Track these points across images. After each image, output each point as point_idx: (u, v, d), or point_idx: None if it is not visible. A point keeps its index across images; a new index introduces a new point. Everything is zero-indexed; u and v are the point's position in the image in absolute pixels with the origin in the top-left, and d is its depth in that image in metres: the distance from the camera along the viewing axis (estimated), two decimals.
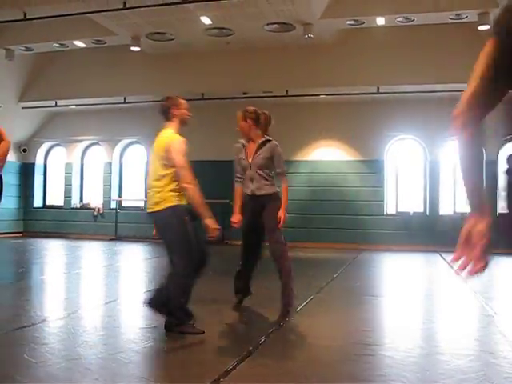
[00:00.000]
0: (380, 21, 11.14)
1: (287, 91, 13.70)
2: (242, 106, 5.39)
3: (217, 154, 13.92)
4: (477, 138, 1.66)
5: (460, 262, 1.64)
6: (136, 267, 10.11)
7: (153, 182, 4.60)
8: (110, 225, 15.98)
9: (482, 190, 1.65)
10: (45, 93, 15.15)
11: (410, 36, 12.05)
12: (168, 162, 4.51)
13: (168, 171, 4.51)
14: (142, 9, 10.48)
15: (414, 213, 14.20)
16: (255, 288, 5.95)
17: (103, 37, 12.39)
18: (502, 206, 2.10)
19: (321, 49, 12.80)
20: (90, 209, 16.55)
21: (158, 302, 4.57)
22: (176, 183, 4.52)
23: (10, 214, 16.46)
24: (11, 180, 16.58)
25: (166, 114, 4.80)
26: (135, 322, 5.17)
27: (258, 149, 5.50)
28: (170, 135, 4.66)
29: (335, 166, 14.66)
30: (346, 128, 14.36)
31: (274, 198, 5.47)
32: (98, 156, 16.98)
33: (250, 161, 5.49)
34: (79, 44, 12.93)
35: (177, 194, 4.53)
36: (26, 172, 17.04)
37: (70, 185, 16.89)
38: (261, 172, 5.45)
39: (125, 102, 14.95)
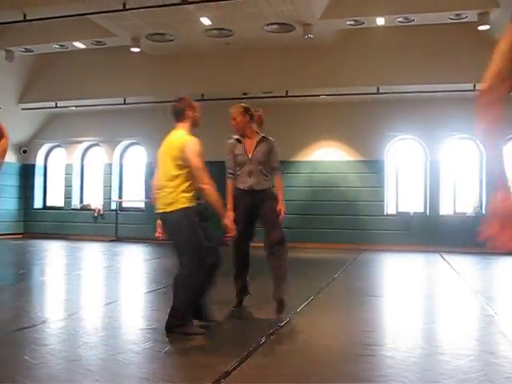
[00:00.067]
0: (380, 21, 11.14)
1: (287, 92, 13.70)
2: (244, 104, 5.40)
3: (217, 154, 13.87)
4: (501, 114, 1.72)
5: (493, 238, 1.64)
6: (136, 268, 10.10)
7: (165, 183, 4.59)
8: (111, 226, 15.98)
9: (504, 166, 1.69)
10: (45, 94, 15.16)
11: (410, 36, 12.05)
12: (183, 162, 4.51)
13: (181, 172, 4.52)
14: (141, 10, 10.48)
15: (415, 213, 14.20)
16: (255, 288, 5.95)
17: (103, 38, 12.40)
18: None
19: (321, 49, 12.80)
20: (90, 210, 16.55)
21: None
22: (188, 184, 4.54)
23: (10, 215, 16.47)
24: (11, 181, 16.60)
25: (180, 115, 4.77)
26: (136, 323, 5.17)
27: (257, 145, 5.56)
28: (183, 136, 4.65)
29: (335, 166, 14.66)
30: (346, 128, 14.37)
31: (270, 193, 5.55)
32: (98, 157, 16.98)
33: (249, 156, 5.52)
34: (79, 45, 12.94)
35: (189, 195, 4.54)
36: (27, 173, 17.04)
37: (71, 186, 16.89)
38: (261, 167, 5.51)
39: (125, 103, 14.95)
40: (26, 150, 16.92)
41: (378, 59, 12.56)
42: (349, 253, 12.62)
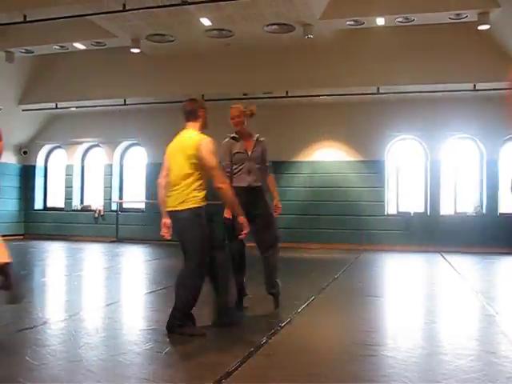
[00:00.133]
0: (380, 21, 11.14)
1: (287, 92, 13.70)
2: (247, 103, 5.42)
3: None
4: None
5: None
6: (137, 269, 10.11)
7: (178, 181, 4.62)
8: (111, 227, 15.99)
9: None
10: (45, 95, 15.16)
11: (410, 36, 12.05)
12: (197, 161, 4.55)
13: (195, 170, 4.57)
14: (141, 10, 10.48)
15: (415, 213, 14.20)
16: (255, 288, 5.95)
17: (103, 39, 12.40)
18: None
19: (321, 49, 12.80)
20: (90, 211, 16.56)
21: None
22: (200, 183, 4.58)
23: (10, 216, 16.47)
24: (12, 182, 16.61)
25: (192, 115, 4.81)
26: (136, 324, 5.17)
27: (255, 144, 5.76)
28: (198, 135, 4.70)
29: (336, 166, 14.66)
30: (346, 128, 14.37)
31: (264, 190, 5.75)
32: (99, 158, 16.98)
33: (249, 154, 5.66)
34: (79, 46, 12.94)
35: (200, 194, 4.59)
36: (27, 174, 17.05)
37: (71, 187, 16.90)
38: (258, 166, 5.70)
39: (125, 104, 14.96)
40: (26, 151, 16.92)
41: (378, 59, 12.56)
42: (349, 253, 12.62)
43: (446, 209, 14.09)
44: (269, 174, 5.91)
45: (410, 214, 14.22)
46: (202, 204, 4.60)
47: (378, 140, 14.28)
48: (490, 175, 13.56)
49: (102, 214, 16.35)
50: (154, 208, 15.69)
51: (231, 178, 5.56)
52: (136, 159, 16.73)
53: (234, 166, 5.62)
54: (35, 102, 15.36)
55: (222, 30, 11.93)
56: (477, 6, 10.28)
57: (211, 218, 4.72)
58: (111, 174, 16.55)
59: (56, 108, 15.55)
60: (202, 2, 10.20)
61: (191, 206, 4.55)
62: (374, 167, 14.38)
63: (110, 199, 16.44)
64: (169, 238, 4.75)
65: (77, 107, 15.67)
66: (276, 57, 13.19)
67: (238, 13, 10.87)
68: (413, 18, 10.93)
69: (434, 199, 14.06)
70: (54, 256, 12.45)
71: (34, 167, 17.14)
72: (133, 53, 12.79)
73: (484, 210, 13.70)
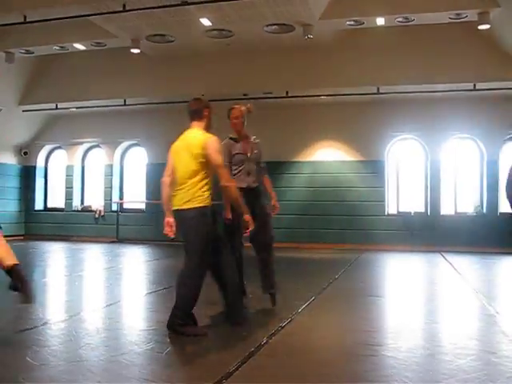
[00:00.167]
0: (380, 21, 11.12)
1: (287, 92, 13.70)
2: (247, 103, 5.42)
3: None
4: None
5: None
6: (137, 269, 10.11)
7: (184, 180, 4.63)
8: (112, 227, 15.99)
9: None
10: (45, 95, 15.16)
11: (410, 36, 12.05)
12: (204, 160, 4.58)
13: (201, 170, 4.59)
14: (141, 11, 10.48)
15: (415, 213, 14.20)
16: (255, 289, 5.94)
17: (103, 39, 12.39)
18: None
19: (321, 50, 12.80)
20: (91, 211, 16.56)
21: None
22: (206, 182, 4.61)
23: (11, 216, 16.47)
24: (12, 183, 16.62)
25: (197, 114, 4.83)
26: (137, 324, 5.17)
27: (253, 145, 5.82)
28: (204, 134, 4.73)
29: (336, 166, 14.66)
30: (346, 129, 14.37)
31: (261, 190, 5.87)
32: (99, 158, 16.99)
33: (248, 155, 5.73)
34: (79, 47, 12.94)
35: (206, 194, 4.61)
36: (27, 175, 17.05)
37: (71, 187, 16.90)
38: (256, 167, 5.81)
39: (125, 105, 14.96)
40: (26, 151, 16.93)
41: (378, 59, 12.56)
42: (350, 253, 12.62)
43: (447, 209, 14.09)
44: (264, 175, 6.01)
45: (410, 213, 14.23)
46: (208, 203, 4.62)
47: (378, 140, 14.29)
48: (490, 175, 13.56)
49: (102, 214, 16.35)
50: (154, 208, 15.72)
51: None
52: (136, 159, 16.74)
53: (234, 167, 5.65)
54: (35, 103, 15.36)
55: (222, 30, 11.93)
56: (477, 5, 10.27)
57: (215, 217, 4.75)
58: (111, 175, 16.55)
59: (56, 108, 15.55)
60: (202, 3, 10.20)
61: (197, 205, 4.57)
62: (374, 167, 14.38)
63: (111, 200, 16.44)
64: (172, 236, 4.74)
65: (77, 108, 15.67)
66: (276, 57, 13.19)
67: (237, 13, 10.87)
68: (413, 18, 10.92)
69: (434, 199, 14.06)
70: (54, 256, 12.45)
71: (34, 168, 17.15)
72: (133, 53, 12.78)
73: (484, 210, 13.70)
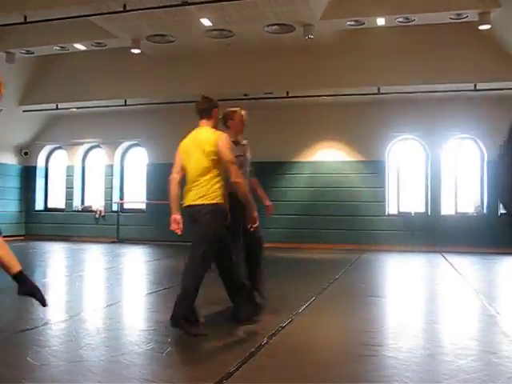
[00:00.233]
0: (380, 21, 11.12)
1: (288, 92, 13.70)
2: (243, 107, 5.41)
3: None
4: None
5: None
6: (138, 269, 10.11)
7: (197, 177, 4.69)
8: (112, 227, 16.00)
9: None
10: (46, 96, 15.17)
11: (411, 36, 12.04)
12: (216, 157, 4.65)
13: (214, 167, 4.66)
14: (142, 11, 10.49)
15: (416, 213, 14.19)
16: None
17: (103, 39, 12.40)
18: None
19: (321, 50, 12.80)
20: (91, 211, 16.56)
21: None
22: (218, 179, 4.68)
23: (11, 217, 16.48)
24: (13, 183, 16.63)
25: (207, 113, 4.91)
26: (137, 325, 5.17)
27: (246, 148, 5.88)
28: (214, 132, 4.81)
29: (337, 167, 14.66)
30: (347, 129, 14.37)
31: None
32: (100, 158, 16.99)
33: (247, 157, 5.82)
34: (80, 47, 12.94)
35: (220, 191, 4.69)
36: (28, 175, 17.05)
37: (72, 187, 16.90)
38: (250, 169, 5.89)
39: (125, 105, 14.96)
40: (27, 151, 16.93)
41: (378, 59, 12.56)
42: (350, 253, 12.62)
43: (447, 209, 14.08)
44: (253, 177, 6.04)
45: (410, 214, 14.22)
46: (221, 201, 4.70)
47: (378, 140, 14.28)
48: (490, 175, 13.55)
49: (102, 214, 16.35)
50: (154, 208, 15.74)
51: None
52: (137, 160, 16.74)
53: None
54: (36, 103, 15.37)
55: (223, 30, 11.93)
56: (477, 5, 10.27)
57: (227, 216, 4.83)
58: (112, 175, 16.55)
59: (56, 109, 15.55)
60: (203, 3, 10.20)
61: (211, 202, 4.64)
62: (374, 167, 14.38)
63: (111, 200, 16.44)
64: (179, 233, 4.79)
65: (77, 108, 15.67)
66: (276, 57, 13.19)
67: (238, 13, 10.87)
68: (413, 18, 10.92)
69: (434, 199, 14.06)
70: (54, 257, 12.45)
71: (34, 168, 17.15)
72: (133, 53, 12.78)
73: (485, 210, 13.70)
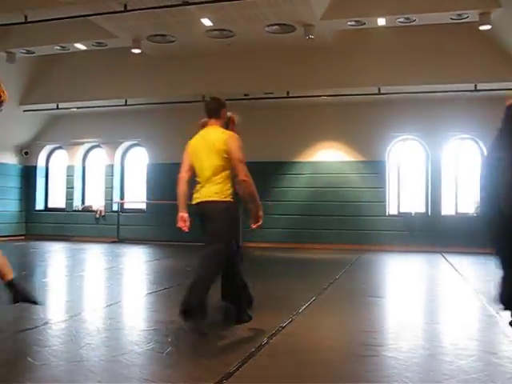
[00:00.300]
0: (381, 21, 11.13)
1: (288, 92, 13.70)
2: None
3: None
4: None
5: None
6: (138, 269, 10.11)
7: (210, 176, 4.77)
8: (112, 227, 16.00)
9: None
10: (46, 96, 15.17)
11: (411, 36, 12.05)
12: (228, 156, 4.74)
13: (226, 166, 4.75)
14: (142, 11, 10.49)
15: (416, 213, 14.19)
16: (257, 290, 5.94)
17: (104, 39, 12.40)
18: None
19: (322, 50, 12.80)
20: (91, 211, 16.56)
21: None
22: (230, 178, 4.79)
23: (11, 216, 16.49)
24: (13, 183, 16.63)
25: (216, 113, 4.99)
26: (137, 324, 5.17)
27: None
28: (225, 131, 4.91)
29: (337, 167, 14.66)
30: (347, 129, 14.37)
31: None
32: (100, 158, 16.99)
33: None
34: (80, 47, 12.94)
35: (231, 190, 4.78)
36: (28, 175, 17.06)
37: (72, 187, 16.91)
38: None
39: (126, 105, 14.96)
40: (27, 151, 16.94)
41: (379, 60, 12.56)
42: (350, 253, 12.62)
43: (447, 209, 14.08)
44: None
45: (411, 214, 14.22)
46: (233, 200, 4.78)
47: (379, 140, 14.28)
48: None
49: (103, 214, 16.36)
50: (154, 208, 15.74)
51: None
52: (137, 160, 16.75)
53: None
54: (36, 103, 15.37)
55: (223, 30, 11.93)
56: (478, 6, 10.27)
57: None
58: (112, 175, 16.56)
59: (57, 109, 15.56)
60: (203, 3, 10.20)
61: (225, 199, 4.74)
62: (375, 168, 14.38)
63: (111, 200, 16.44)
64: (187, 230, 4.84)
65: (78, 108, 15.68)
66: (277, 57, 13.19)
67: (238, 13, 10.87)
68: (414, 19, 10.92)
69: (435, 199, 14.05)
70: (55, 256, 12.45)
71: (35, 168, 17.15)
72: (134, 53, 12.79)
73: None
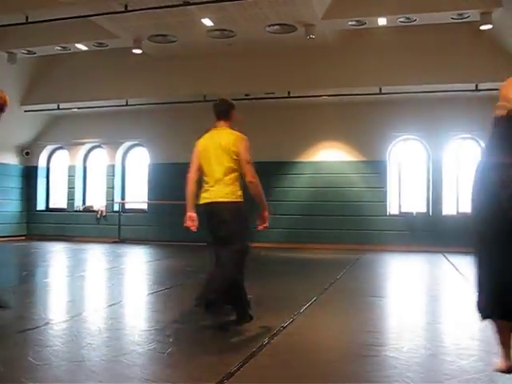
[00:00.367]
0: (382, 21, 11.13)
1: (289, 92, 13.70)
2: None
3: None
4: None
5: None
6: (139, 270, 10.12)
7: (220, 176, 4.84)
8: (113, 227, 16.00)
9: None
10: (47, 96, 15.18)
11: (412, 36, 12.05)
12: (237, 157, 4.83)
13: (235, 166, 4.84)
14: (143, 11, 10.49)
15: (417, 213, 14.19)
16: (257, 289, 5.94)
17: (105, 40, 12.41)
18: None
19: (323, 50, 12.80)
20: (92, 211, 16.57)
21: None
22: (239, 179, 4.88)
23: (13, 217, 16.50)
24: (14, 183, 16.64)
25: (225, 114, 5.07)
26: (139, 324, 5.17)
27: None
28: (235, 133, 4.97)
29: (338, 167, 14.65)
30: (348, 129, 14.37)
31: None
32: (101, 158, 17.00)
33: None
34: (81, 47, 12.95)
35: (241, 191, 4.87)
36: (29, 175, 17.07)
37: (73, 187, 16.92)
38: None
39: (127, 105, 14.97)
40: (28, 151, 16.95)
41: (380, 59, 12.56)
42: (351, 253, 12.61)
43: (449, 209, 14.07)
44: None
45: (412, 214, 14.22)
46: (243, 200, 4.88)
47: (380, 140, 14.28)
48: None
49: (104, 214, 16.36)
50: (156, 208, 15.75)
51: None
52: (138, 160, 16.75)
53: None
54: (37, 103, 15.38)
55: (224, 30, 11.93)
56: (479, 5, 10.26)
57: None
58: (113, 175, 16.56)
59: (58, 109, 15.57)
60: (204, 3, 10.21)
61: (238, 200, 4.83)
62: (376, 167, 14.37)
63: (113, 200, 16.45)
64: (195, 230, 4.92)
65: (79, 108, 15.68)
66: (278, 57, 13.19)
67: (239, 13, 10.87)
68: (415, 18, 10.91)
69: (436, 199, 14.05)
70: (56, 257, 12.46)
71: (36, 168, 17.16)
72: (134, 53, 12.79)
73: None
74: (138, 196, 16.58)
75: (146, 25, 11.54)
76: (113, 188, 16.53)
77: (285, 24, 11.46)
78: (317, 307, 6.03)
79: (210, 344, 4.39)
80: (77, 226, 16.51)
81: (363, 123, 14.10)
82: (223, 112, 5.06)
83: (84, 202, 17.06)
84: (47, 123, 16.87)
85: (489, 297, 3.27)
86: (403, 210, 14.42)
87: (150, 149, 16.09)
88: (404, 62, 12.43)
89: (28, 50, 13.13)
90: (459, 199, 14.10)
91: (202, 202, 4.92)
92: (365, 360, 3.96)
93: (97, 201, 16.82)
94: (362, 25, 11.39)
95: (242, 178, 4.91)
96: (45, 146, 17.23)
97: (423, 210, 14.25)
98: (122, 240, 15.68)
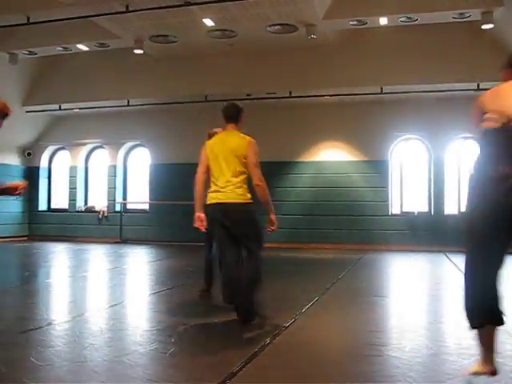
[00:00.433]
0: (383, 21, 11.13)
1: (291, 92, 13.70)
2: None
3: None
4: None
5: None
6: (141, 270, 10.12)
7: (231, 178, 4.93)
8: (115, 228, 16.01)
9: None
10: (49, 96, 15.20)
11: (413, 36, 12.04)
12: (245, 160, 4.93)
13: (244, 169, 4.95)
14: (144, 11, 10.50)
15: (419, 213, 14.18)
16: (260, 290, 5.93)
17: (106, 40, 12.42)
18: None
19: (324, 49, 12.80)
20: (94, 212, 16.58)
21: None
22: (247, 181, 4.98)
23: (14, 217, 16.51)
24: None
25: (235, 117, 5.17)
26: (141, 325, 5.18)
27: None
28: (243, 136, 5.07)
29: (339, 166, 14.65)
30: (349, 129, 14.36)
31: None
32: (103, 159, 17.01)
33: None
34: (82, 47, 12.97)
35: (249, 192, 4.97)
36: (31, 176, 17.05)
37: (75, 188, 16.93)
38: None
39: (128, 105, 14.98)
40: (30, 152, 16.97)
41: (381, 59, 12.55)
42: (353, 253, 12.61)
43: (450, 208, 14.06)
44: None
45: (413, 213, 14.21)
46: (252, 203, 4.99)
47: (381, 140, 14.27)
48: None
49: (105, 215, 16.37)
50: (157, 209, 15.75)
51: None
52: (139, 160, 16.76)
53: None
54: (39, 104, 15.40)
55: (225, 30, 11.94)
56: (480, 5, 10.26)
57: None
58: (115, 175, 16.57)
59: (59, 109, 15.59)
60: (205, 3, 10.21)
61: (249, 201, 4.94)
62: (377, 167, 14.37)
63: (114, 200, 16.46)
64: (204, 230, 5.02)
65: (80, 108, 15.70)
66: (279, 57, 13.19)
67: (240, 13, 10.88)
68: (416, 18, 10.91)
69: (437, 199, 14.04)
70: (58, 257, 12.47)
71: (37, 168, 17.18)
72: (136, 54, 12.81)
73: None
74: (139, 196, 16.59)
75: (147, 25, 11.55)
76: (114, 188, 16.54)
77: (286, 24, 11.47)
78: (319, 307, 6.03)
79: (211, 344, 4.39)
80: (79, 227, 16.52)
81: (365, 123, 14.09)
82: (233, 115, 5.16)
83: (86, 203, 17.08)
84: (49, 124, 16.89)
85: (473, 300, 3.29)
86: (405, 210, 14.41)
87: (152, 149, 16.10)
88: (405, 62, 12.42)
89: (29, 51, 13.16)
90: (461, 199, 14.09)
91: (211, 202, 4.97)
92: (367, 359, 3.95)
93: (98, 201, 16.83)
94: (363, 24, 11.39)
95: (249, 181, 5.02)
96: (46, 147, 17.25)
97: (425, 209, 14.24)
98: (123, 240, 15.69)
